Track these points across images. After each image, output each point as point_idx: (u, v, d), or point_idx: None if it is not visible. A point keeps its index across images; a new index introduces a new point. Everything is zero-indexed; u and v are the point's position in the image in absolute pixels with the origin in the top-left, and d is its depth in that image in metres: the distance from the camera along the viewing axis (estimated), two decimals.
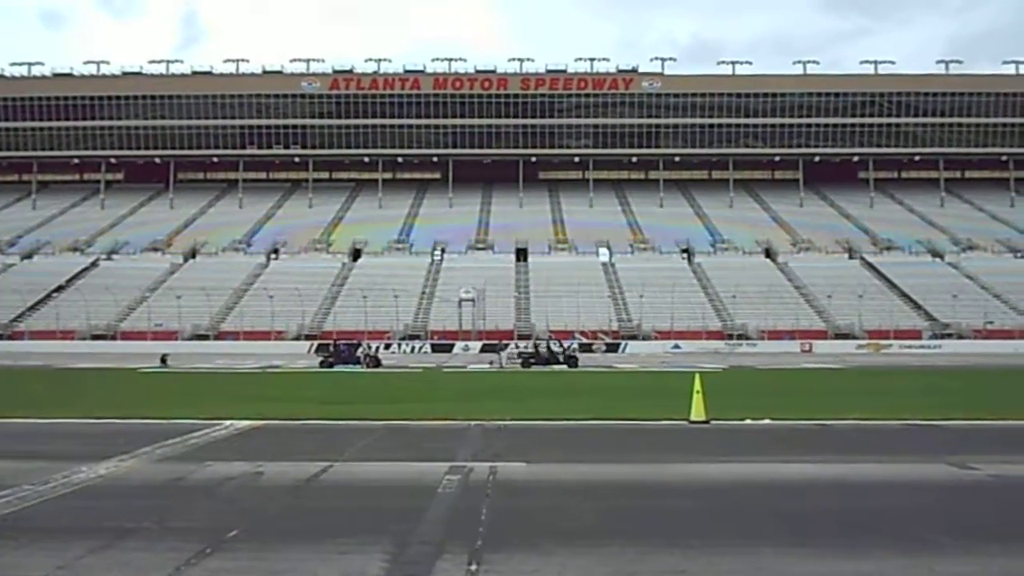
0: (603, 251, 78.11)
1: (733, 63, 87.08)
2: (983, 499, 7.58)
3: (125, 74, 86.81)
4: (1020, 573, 4.99)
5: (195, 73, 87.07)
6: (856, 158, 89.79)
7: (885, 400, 18.00)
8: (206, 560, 5.39)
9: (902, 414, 14.17)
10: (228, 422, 13.09)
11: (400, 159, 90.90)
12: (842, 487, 8.19)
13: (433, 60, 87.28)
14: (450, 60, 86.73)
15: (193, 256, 77.50)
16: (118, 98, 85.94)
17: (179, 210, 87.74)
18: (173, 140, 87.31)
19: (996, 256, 76.54)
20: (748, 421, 13.36)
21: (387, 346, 56.74)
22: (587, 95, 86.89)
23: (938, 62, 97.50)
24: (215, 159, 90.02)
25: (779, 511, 7.04)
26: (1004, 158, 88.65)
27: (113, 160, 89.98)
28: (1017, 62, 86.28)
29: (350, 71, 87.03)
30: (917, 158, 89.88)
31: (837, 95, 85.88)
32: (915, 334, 62.69)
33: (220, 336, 62.47)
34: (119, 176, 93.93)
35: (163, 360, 38.85)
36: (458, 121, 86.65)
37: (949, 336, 62.00)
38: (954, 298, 63.05)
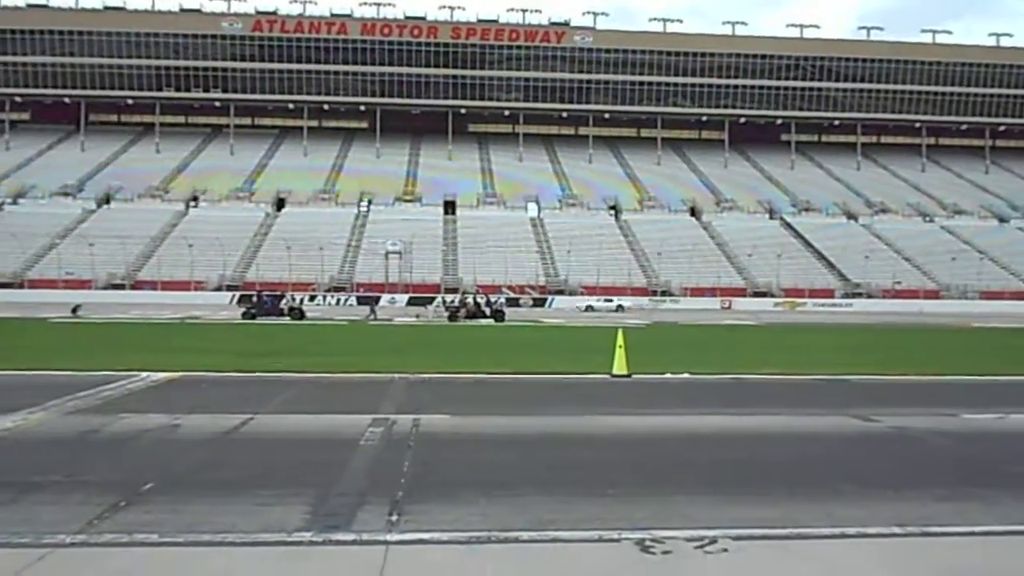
0: (532, 206, 78.28)
1: (664, 20, 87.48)
2: (882, 449, 8.01)
3: (31, 6, 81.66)
4: (909, 516, 5.32)
5: (107, 8, 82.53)
6: (779, 120, 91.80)
7: (797, 356, 18.76)
8: (119, 514, 5.28)
9: (812, 369, 14.81)
10: (144, 374, 12.76)
11: (326, 107, 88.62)
12: (754, 438, 8.55)
13: (361, 4, 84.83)
14: (378, 5, 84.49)
15: (107, 202, 74.40)
16: (24, 32, 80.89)
17: (91, 153, 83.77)
18: (84, 79, 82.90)
19: (906, 220, 79.94)
20: (668, 375, 13.75)
21: (312, 298, 55.98)
22: (518, 47, 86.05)
23: (859, 28, 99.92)
24: (129, 101, 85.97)
25: (694, 461, 7.31)
26: (918, 125, 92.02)
27: (18, 99, 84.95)
28: (935, 31, 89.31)
29: (274, 12, 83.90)
30: (836, 122, 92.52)
31: (763, 57, 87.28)
32: (828, 293, 65.27)
33: (136, 286, 60.54)
34: (25, 116, 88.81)
35: (75, 310, 37.57)
36: (386, 69, 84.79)
37: (860, 295, 64.79)
38: (866, 259, 65.71)
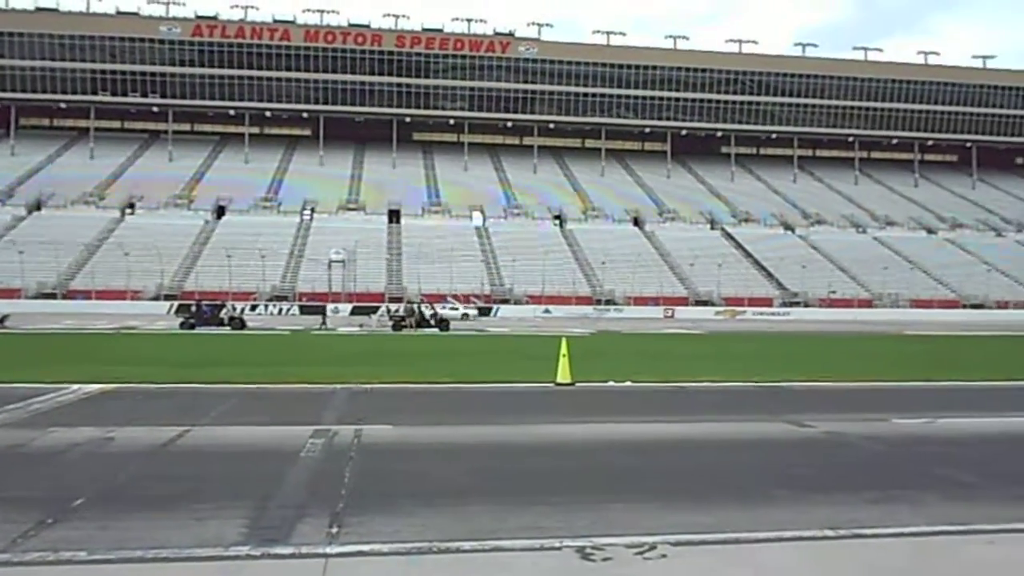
0: (476, 215, 78.36)
1: (608, 33, 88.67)
2: (815, 454, 8.22)
3: None
4: (840, 519, 5.47)
5: (39, 9, 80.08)
6: (719, 133, 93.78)
7: (736, 364, 19.12)
8: (47, 531, 5.10)
9: (750, 377, 15.12)
10: (76, 386, 12.37)
11: (268, 113, 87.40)
12: (693, 445, 8.68)
13: (304, 11, 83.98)
14: (322, 12, 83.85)
15: (38, 208, 72.00)
16: None
17: (21, 158, 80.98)
18: (14, 82, 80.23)
19: (841, 231, 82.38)
20: (611, 383, 13.88)
21: (253, 307, 55.06)
22: (463, 56, 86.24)
23: (795, 44, 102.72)
24: (63, 105, 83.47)
25: (635, 468, 7.39)
26: (851, 139, 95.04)
27: None
28: (867, 48, 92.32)
29: (214, 17, 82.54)
30: (774, 135, 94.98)
31: (704, 71, 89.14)
32: (767, 302, 66.78)
33: (69, 295, 58.69)
34: None
35: (2, 320, 36.26)
36: (330, 76, 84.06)
37: (797, 304, 66.45)
38: (803, 269, 67.48)
